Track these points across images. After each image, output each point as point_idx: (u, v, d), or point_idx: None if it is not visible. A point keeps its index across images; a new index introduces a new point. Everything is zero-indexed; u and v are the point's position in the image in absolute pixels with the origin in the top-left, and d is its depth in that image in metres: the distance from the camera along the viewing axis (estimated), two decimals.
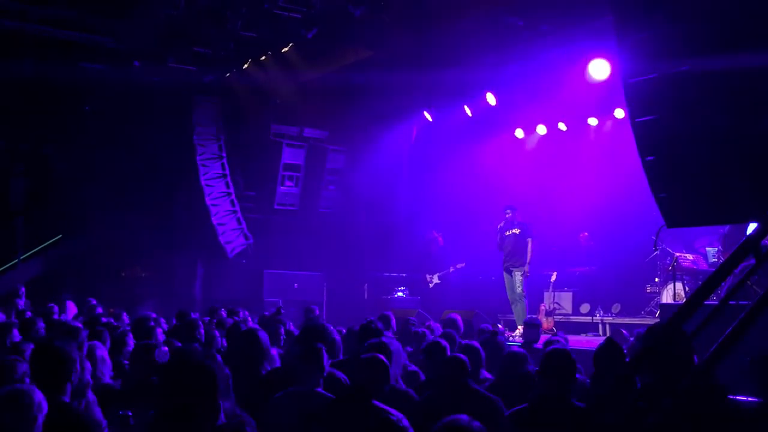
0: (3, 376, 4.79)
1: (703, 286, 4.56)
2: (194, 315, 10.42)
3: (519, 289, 13.32)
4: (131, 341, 7.58)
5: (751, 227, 10.03)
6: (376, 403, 4.44)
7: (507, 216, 13.66)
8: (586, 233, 15.81)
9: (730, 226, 10.87)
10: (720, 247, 11.85)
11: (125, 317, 11.46)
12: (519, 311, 13.26)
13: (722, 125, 5.82)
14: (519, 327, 12.62)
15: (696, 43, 5.86)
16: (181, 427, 3.04)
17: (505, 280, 13.64)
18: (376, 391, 4.56)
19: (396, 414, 4.38)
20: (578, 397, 5.09)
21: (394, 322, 9.51)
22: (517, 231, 13.52)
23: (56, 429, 3.96)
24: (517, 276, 13.37)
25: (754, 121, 5.65)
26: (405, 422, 4.35)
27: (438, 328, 9.50)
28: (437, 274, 16.99)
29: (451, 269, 16.75)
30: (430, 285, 17.10)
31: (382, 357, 4.75)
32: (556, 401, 4.69)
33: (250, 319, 11.26)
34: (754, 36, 5.57)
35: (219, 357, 5.89)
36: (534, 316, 12.53)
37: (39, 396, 3.83)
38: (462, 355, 5.50)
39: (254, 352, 6.27)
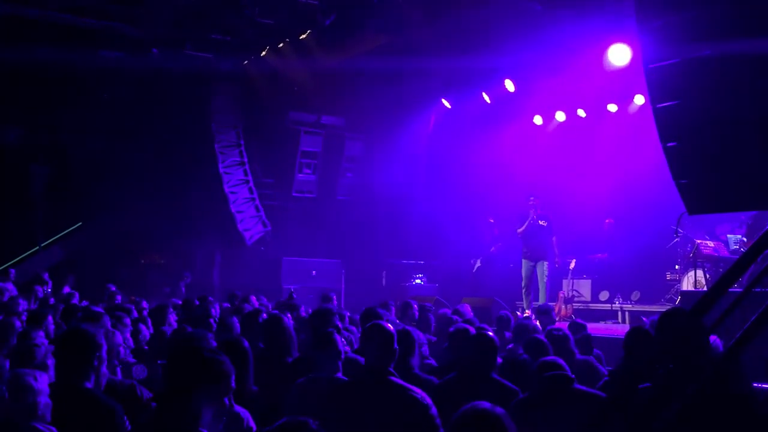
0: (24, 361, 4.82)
1: (727, 272, 4.51)
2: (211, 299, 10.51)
3: (545, 279, 13.63)
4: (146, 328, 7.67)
5: None
6: (396, 379, 4.41)
7: (533, 203, 13.74)
8: (611, 220, 15.70)
9: (754, 213, 10.79)
10: (744, 235, 11.76)
11: (145, 305, 11.52)
12: (542, 296, 13.56)
13: (744, 110, 5.76)
14: (528, 311, 13.12)
15: (718, 27, 5.79)
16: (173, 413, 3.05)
17: (526, 267, 13.75)
18: (388, 358, 4.51)
19: (418, 391, 4.35)
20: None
21: (416, 310, 9.50)
22: (544, 223, 13.65)
23: (77, 415, 3.98)
24: (545, 267, 13.65)
25: None
26: (427, 399, 4.32)
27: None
28: (479, 258, 17.01)
29: (492, 249, 16.81)
30: (474, 269, 17.11)
31: (387, 326, 4.68)
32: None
33: (270, 305, 11.30)
34: None
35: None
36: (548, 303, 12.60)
37: (41, 378, 3.81)
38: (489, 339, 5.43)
39: (279, 339, 6.25)
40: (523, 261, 13.82)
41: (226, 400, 3.08)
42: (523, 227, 13.71)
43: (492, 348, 5.30)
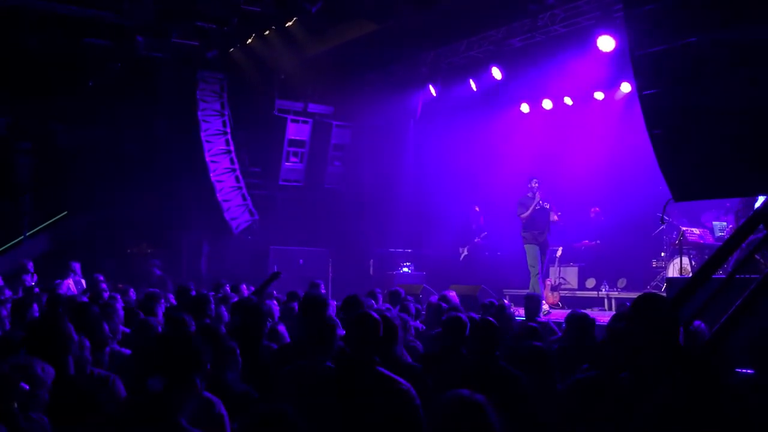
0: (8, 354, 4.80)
1: (710, 259, 4.54)
2: (194, 292, 10.43)
3: (543, 266, 13.08)
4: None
5: (760, 200, 10.03)
6: (381, 369, 4.41)
7: (535, 186, 13.17)
8: (597, 208, 15.74)
9: (739, 200, 10.83)
10: (732, 222, 11.83)
11: (132, 293, 11.49)
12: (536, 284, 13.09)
13: (730, 97, 5.78)
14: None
15: (703, 15, 5.80)
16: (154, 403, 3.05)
17: (531, 251, 13.08)
18: (373, 348, 4.52)
19: (404, 381, 4.36)
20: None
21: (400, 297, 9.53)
22: (547, 205, 13.18)
23: (62, 403, 3.97)
24: (546, 253, 13.18)
25: (761, 94, 5.61)
26: (412, 390, 4.33)
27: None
28: (466, 246, 17.00)
29: (477, 239, 16.78)
30: (461, 257, 17.08)
31: (373, 315, 4.68)
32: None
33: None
34: (760, 8, 5.51)
35: (224, 330, 5.91)
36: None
37: (40, 367, 3.82)
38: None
39: (255, 327, 6.25)
40: (529, 246, 13.13)
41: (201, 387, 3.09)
42: (529, 211, 13.07)
43: (496, 334, 5.42)
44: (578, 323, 6.61)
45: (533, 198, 13.19)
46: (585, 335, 6.55)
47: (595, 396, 4.26)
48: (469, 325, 6.02)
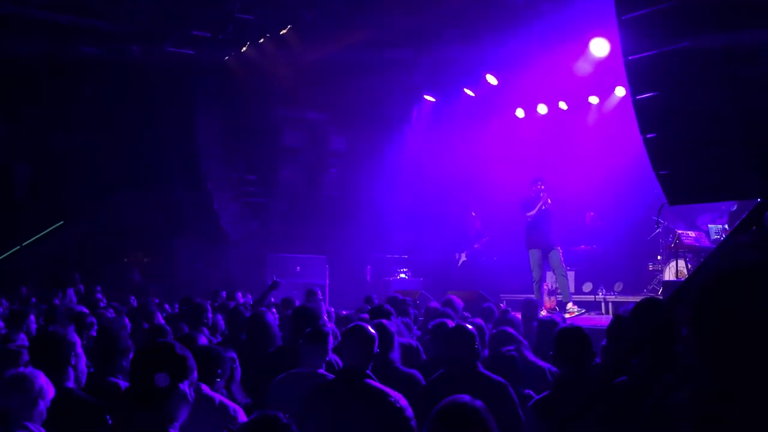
0: (7, 363, 4.80)
1: (705, 261, 4.54)
2: (199, 300, 10.43)
3: (563, 269, 12.79)
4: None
5: None
6: (371, 382, 4.41)
7: (541, 188, 12.77)
8: (592, 213, 15.74)
9: (736, 203, 10.85)
10: (726, 225, 11.86)
11: (133, 302, 11.50)
12: (563, 286, 12.81)
13: (724, 101, 5.79)
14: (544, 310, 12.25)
15: (697, 18, 5.82)
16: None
17: (535, 257, 12.68)
18: (366, 361, 4.51)
19: (393, 393, 4.35)
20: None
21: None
22: (546, 205, 12.81)
23: (61, 414, 3.97)
24: (559, 255, 12.75)
25: (756, 97, 5.62)
26: (402, 402, 4.31)
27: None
28: (464, 252, 16.98)
29: (476, 246, 16.75)
30: (459, 263, 17.05)
31: (369, 329, 4.68)
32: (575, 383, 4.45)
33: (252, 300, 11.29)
34: (755, 11, 5.53)
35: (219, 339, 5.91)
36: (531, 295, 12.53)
37: (42, 380, 3.83)
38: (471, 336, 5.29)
39: (260, 335, 6.26)
40: (532, 252, 12.69)
41: (192, 396, 3.08)
42: (536, 210, 12.63)
43: (470, 340, 5.10)
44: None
45: (539, 197, 12.76)
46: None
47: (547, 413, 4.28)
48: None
